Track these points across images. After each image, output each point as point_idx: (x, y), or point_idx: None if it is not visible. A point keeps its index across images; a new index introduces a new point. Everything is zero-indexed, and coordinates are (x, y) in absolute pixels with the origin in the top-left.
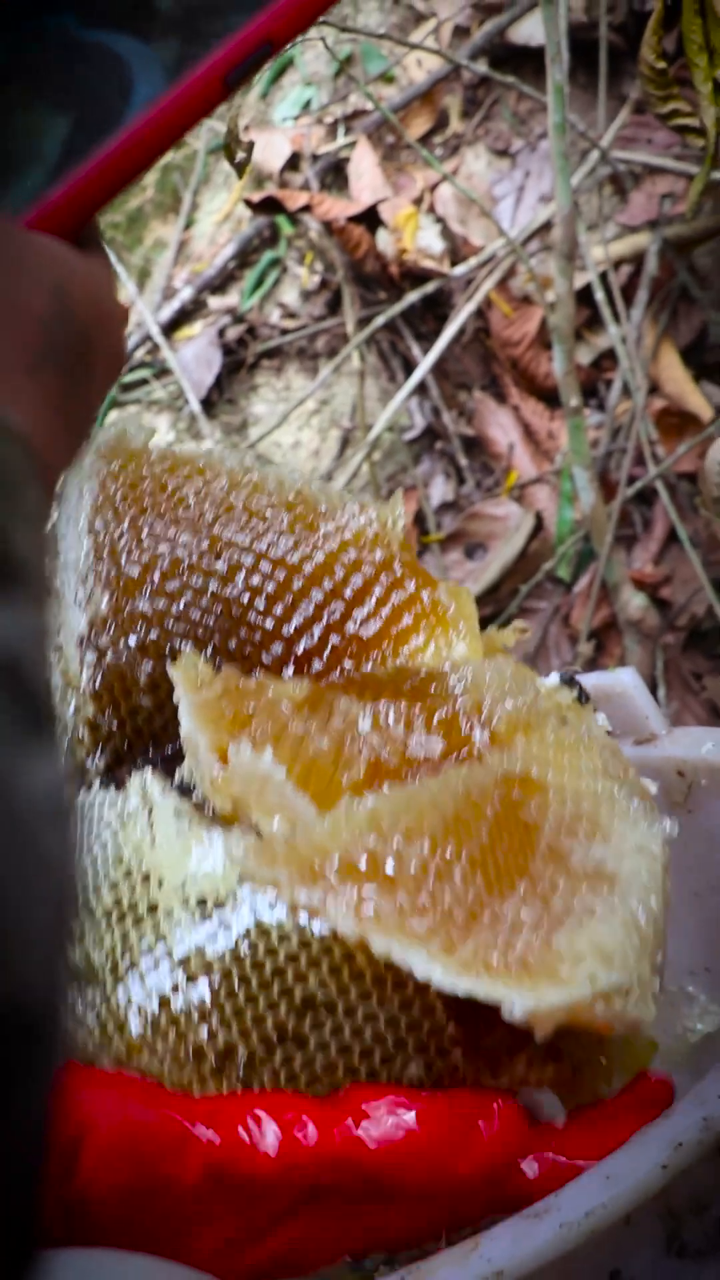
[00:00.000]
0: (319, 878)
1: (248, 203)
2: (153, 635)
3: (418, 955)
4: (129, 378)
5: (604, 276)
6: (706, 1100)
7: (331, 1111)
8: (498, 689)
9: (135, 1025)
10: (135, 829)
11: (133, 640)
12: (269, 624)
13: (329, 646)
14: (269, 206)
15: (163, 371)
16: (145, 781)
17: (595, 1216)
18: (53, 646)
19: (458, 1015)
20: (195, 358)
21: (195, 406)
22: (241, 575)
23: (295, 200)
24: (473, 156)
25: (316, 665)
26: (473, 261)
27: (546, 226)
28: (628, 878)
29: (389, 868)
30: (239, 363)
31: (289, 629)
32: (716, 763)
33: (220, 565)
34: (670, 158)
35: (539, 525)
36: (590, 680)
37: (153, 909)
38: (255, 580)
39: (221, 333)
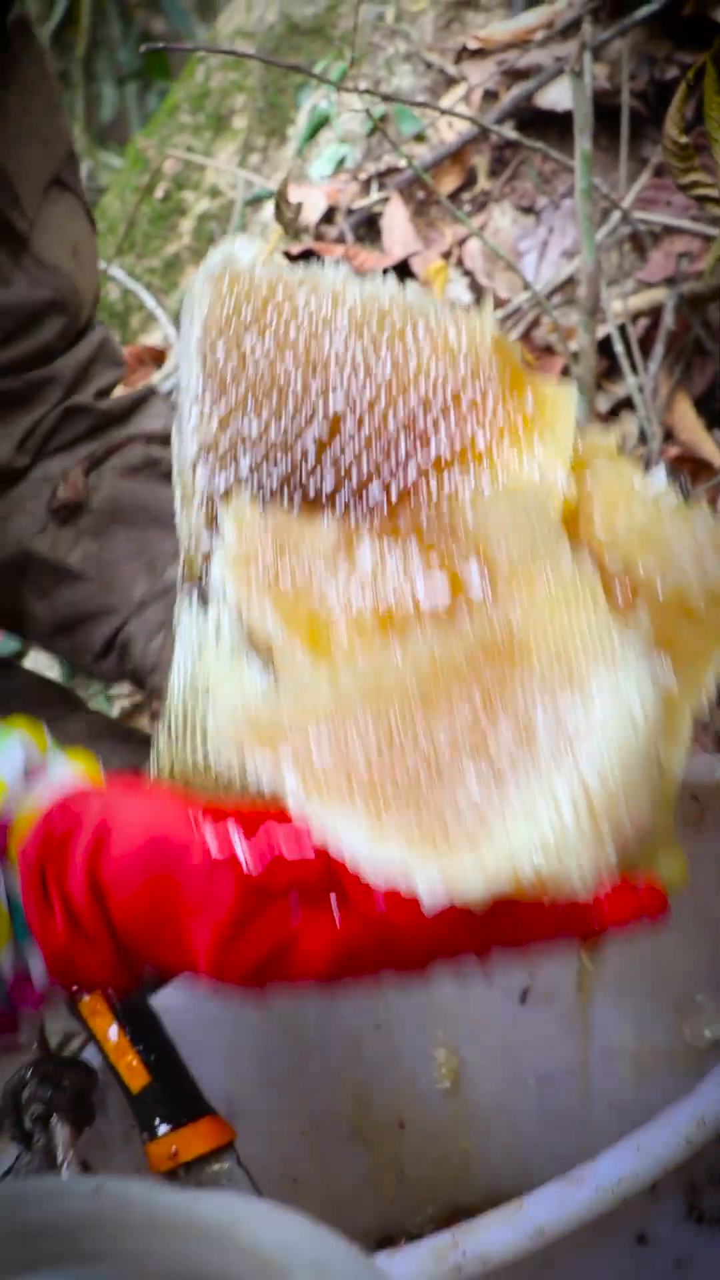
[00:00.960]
0: (278, 743)
1: (287, 254)
2: (255, 456)
3: (346, 827)
4: None
5: (623, 329)
6: None
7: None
8: (507, 527)
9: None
10: (208, 653)
11: (235, 462)
12: (359, 439)
13: (416, 458)
14: (307, 258)
15: None
16: (220, 614)
17: (626, 1184)
18: (176, 468)
19: None
20: None
21: None
22: (336, 392)
23: (332, 253)
24: (499, 213)
25: (403, 479)
26: (499, 314)
27: (569, 281)
28: (595, 746)
29: (344, 739)
30: None
31: (378, 444)
32: None
33: (316, 382)
34: (688, 219)
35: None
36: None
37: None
38: (348, 395)
39: None
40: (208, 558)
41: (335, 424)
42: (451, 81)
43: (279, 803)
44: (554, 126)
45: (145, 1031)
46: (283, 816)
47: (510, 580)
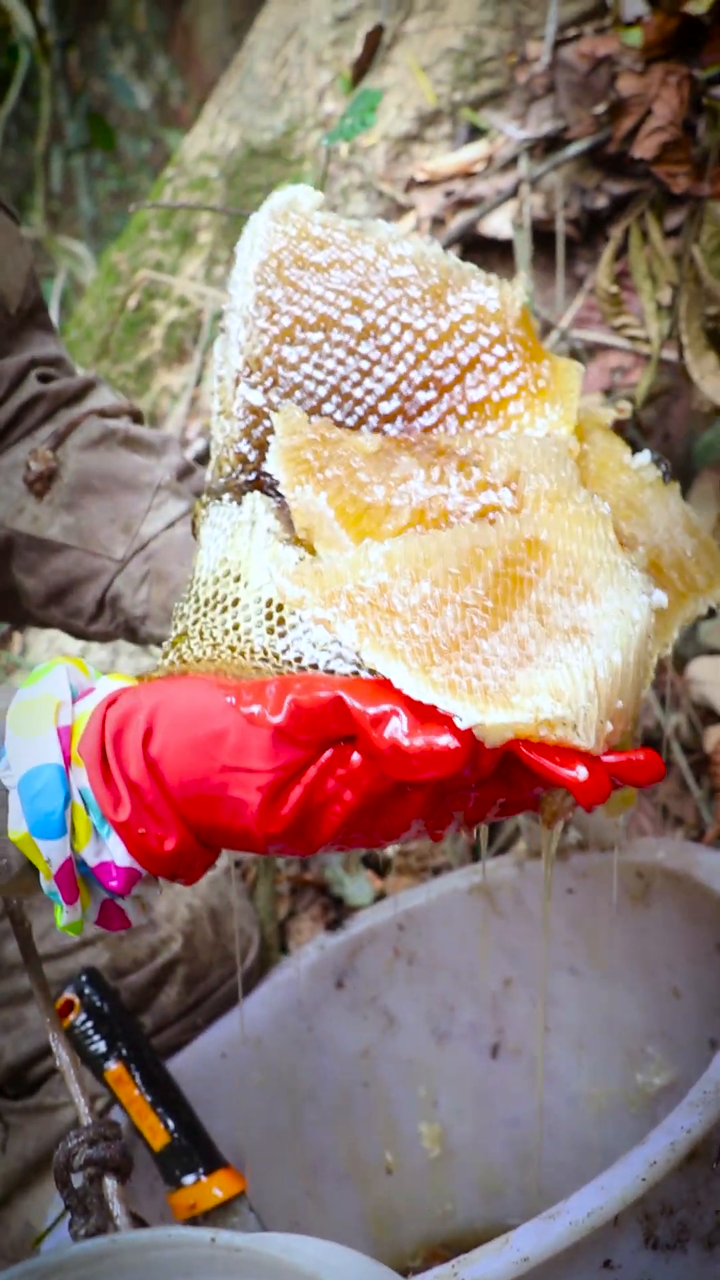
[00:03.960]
0: (334, 600)
1: None
2: (294, 379)
3: (398, 668)
4: None
5: None
6: (672, 1130)
7: (328, 681)
8: (537, 462)
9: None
10: (240, 538)
11: (276, 383)
12: (392, 378)
13: (440, 404)
14: None
15: None
16: (255, 502)
17: (593, 1217)
18: (215, 377)
19: None
20: None
21: None
22: (374, 334)
23: None
24: None
25: (425, 420)
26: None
27: None
28: (602, 634)
29: (392, 599)
30: None
31: (408, 386)
32: (668, 868)
33: (357, 323)
34: (620, 338)
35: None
36: (642, 458)
37: (235, 602)
38: (385, 339)
39: None
40: (241, 458)
41: (374, 362)
42: (402, 209)
43: (303, 673)
44: (496, 249)
45: (164, 1095)
46: (289, 677)
47: (536, 502)
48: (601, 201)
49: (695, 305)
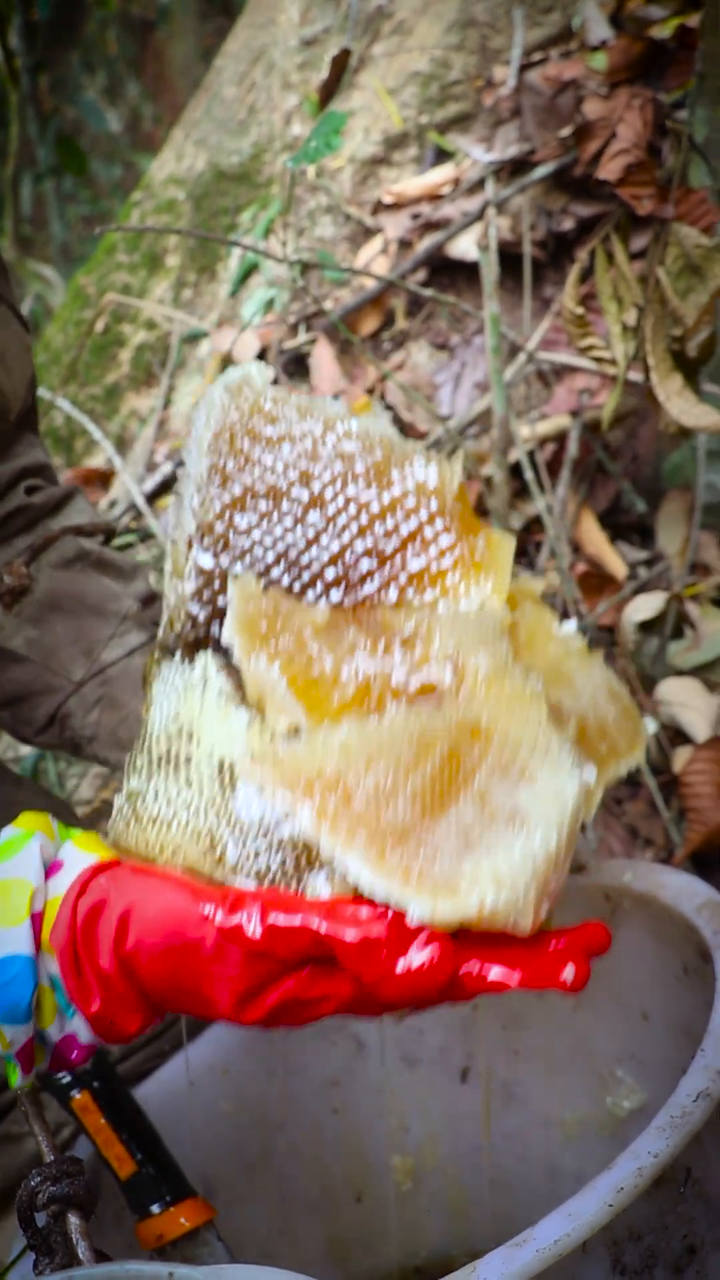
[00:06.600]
0: (293, 783)
1: None
2: (244, 544)
3: (354, 855)
4: (117, 541)
5: (531, 454)
6: (639, 1155)
7: (309, 904)
8: (475, 640)
9: (169, 830)
10: (192, 696)
11: (227, 547)
12: (336, 546)
13: (381, 572)
14: None
15: (147, 536)
16: (207, 662)
17: (561, 1244)
18: (169, 539)
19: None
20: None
21: None
22: (321, 505)
23: None
24: (416, 350)
25: (367, 588)
26: (421, 445)
27: (481, 413)
28: (539, 817)
29: (348, 786)
30: None
31: (351, 555)
32: (636, 891)
33: (305, 494)
34: (587, 359)
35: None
36: (568, 627)
37: (188, 760)
38: (331, 510)
39: None
40: (191, 618)
41: (320, 530)
42: (369, 232)
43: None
44: (463, 271)
45: (130, 1123)
46: (271, 898)
47: (475, 682)
48: (568, 224)
49: (660, 327)
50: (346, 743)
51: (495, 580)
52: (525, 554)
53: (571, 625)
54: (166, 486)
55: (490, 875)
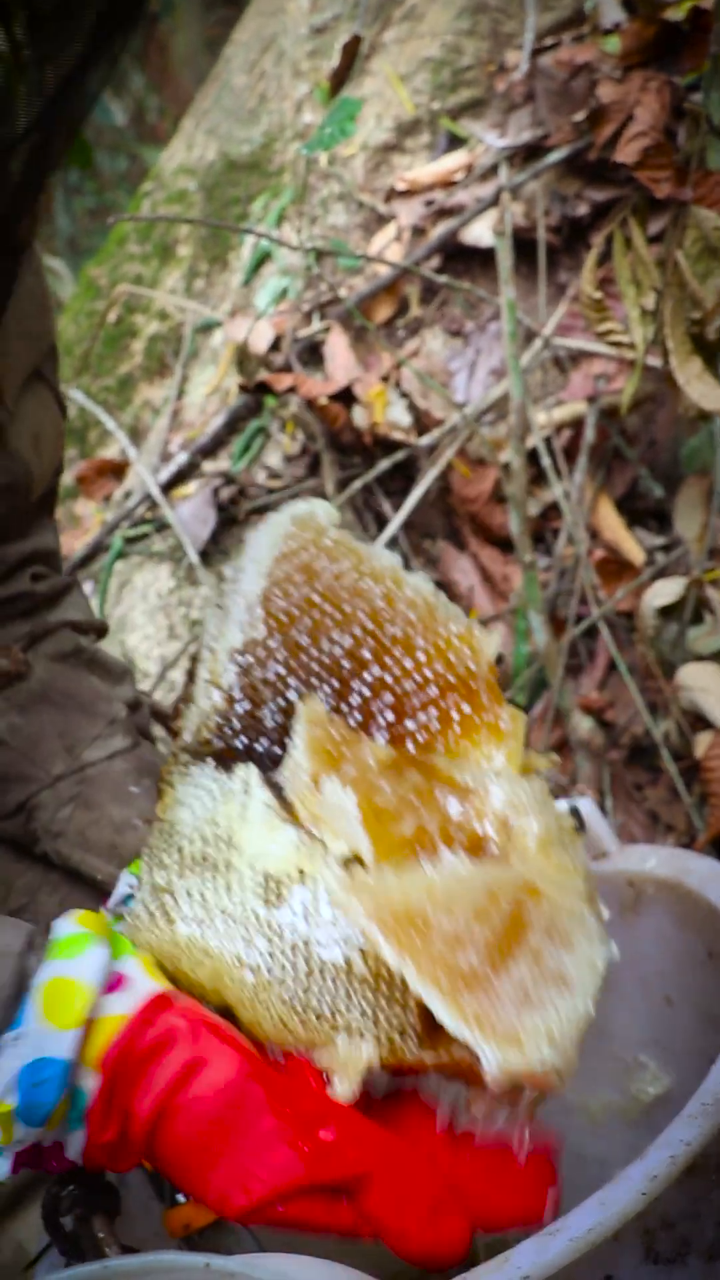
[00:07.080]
0: (380, 915)
1: (243, 388)
2: (286, 670)
3: (435, 998)
4: (133, 532)
5: (548, 441)
6: (672, 1143)
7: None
8: (528, 804)
9: (202, 933)
10: (232, 805)
11: (272, 668)
12: (367, 692)
13: (407, 726)
14: (260, 389)
15: (163, 526)
16: (249, 774)
17: (594, 1233)
18: (205, 646)
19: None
20: (192, 515)
21: (194, 558)
22: (359, 650)
23: (282, 383)
24: (431, 337)
25: (392, 733)
26: (436, 432)
27: (497, 400)
28: (578, 984)
29: (430, 926)
30: (232, 519)
31: (379, 703)
32: (659, 876)
33: (347, 639)
34: (603, 344)
35: (498, 658)
36: (560, 807)
37: (228, 866)
38: (366, 655)
39: (216, 492)
40: (221, 728)
41: (349, 677)
42: (383, 219)
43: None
44: (478, 258)
45: None
46: (317, 1077)
47: (526, 845)
48: (582, 209)
49: (679, 310)
50: (431, 885)
51: (511, 749)
52: (543, 539)
53: (563, 804)
54: (181, 476)
55: (544, 1032)
